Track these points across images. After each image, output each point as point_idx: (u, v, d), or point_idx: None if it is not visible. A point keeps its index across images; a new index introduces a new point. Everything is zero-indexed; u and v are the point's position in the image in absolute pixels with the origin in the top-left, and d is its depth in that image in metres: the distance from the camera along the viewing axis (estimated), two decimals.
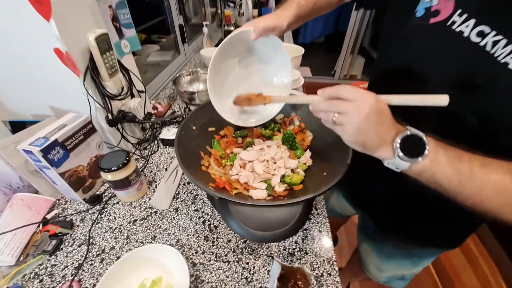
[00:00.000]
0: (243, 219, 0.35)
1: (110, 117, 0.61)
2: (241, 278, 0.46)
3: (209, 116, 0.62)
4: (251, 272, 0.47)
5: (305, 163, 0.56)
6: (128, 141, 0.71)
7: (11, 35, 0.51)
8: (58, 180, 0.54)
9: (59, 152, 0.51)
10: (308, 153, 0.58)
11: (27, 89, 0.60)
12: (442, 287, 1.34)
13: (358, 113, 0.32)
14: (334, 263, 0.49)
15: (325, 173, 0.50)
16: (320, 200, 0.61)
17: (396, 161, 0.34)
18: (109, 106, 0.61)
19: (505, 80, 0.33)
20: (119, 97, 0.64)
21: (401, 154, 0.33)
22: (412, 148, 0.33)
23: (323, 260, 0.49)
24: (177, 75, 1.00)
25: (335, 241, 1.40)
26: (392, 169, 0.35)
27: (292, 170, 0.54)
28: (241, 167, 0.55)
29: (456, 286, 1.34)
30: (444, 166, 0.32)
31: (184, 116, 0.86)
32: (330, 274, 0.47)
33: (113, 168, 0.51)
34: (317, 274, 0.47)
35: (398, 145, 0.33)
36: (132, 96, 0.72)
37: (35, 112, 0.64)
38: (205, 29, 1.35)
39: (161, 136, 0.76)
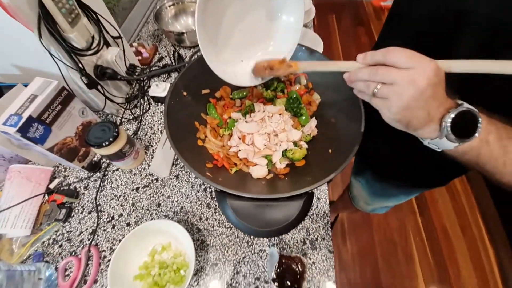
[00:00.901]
0: (242, 215, 0.35)
1: (85, 81, 0.53)
2: (243, 242, 0.51)
3: (201, 76, 0.53)
4: (252, 237, 0.52)
5: (309, 134, 0.52)
6: (114, 101, 0.64)
7: None
8: (49, 154, 0.51)
9: (38, 128, 0.46)
10: (313, 122, 0.53)
11: None
12: (418, 212, 1.52)
13: (411, 86, 0.26)
14: (329, 228, 0.52)
15: (330, 151, 0.47)
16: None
17: (441, 142, 0.29)
18: (80, 64, 0.52)
19: None
20: (90, 51, 0.53)
21: (450, 134, 0.28)
22: (463, 127, 0.28)
23: (319, 226, 0.53)
24: (158, 7, 0.81)
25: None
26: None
27: (294, 143, 0.51)
28: (240, 139, 0.51)
29: (431, 210, 1.53)
30: (492, 146, 0.29)
31: (174, 65, 0.75)
32: (323, 239, 0.51)
33: (104, 144, 0.48)
34: (312, 238, 0.51)
35: (448, 124, 0.28)
36: (108, 45, 0.60)
37: (1, 72, 0.55)
38: None
39: (150, 93, 0.68)
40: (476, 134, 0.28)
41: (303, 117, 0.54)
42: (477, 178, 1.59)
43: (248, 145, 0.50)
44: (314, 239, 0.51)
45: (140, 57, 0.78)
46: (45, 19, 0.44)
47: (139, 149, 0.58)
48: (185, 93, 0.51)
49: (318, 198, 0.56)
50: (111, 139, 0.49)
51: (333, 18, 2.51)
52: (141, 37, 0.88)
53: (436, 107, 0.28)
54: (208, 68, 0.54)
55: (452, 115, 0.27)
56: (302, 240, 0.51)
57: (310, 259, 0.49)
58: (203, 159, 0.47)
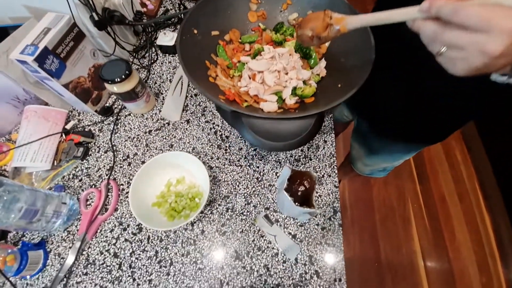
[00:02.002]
0: (256, 130, 0.37)
1: (96, 17, 0.53)
2: (253, 178, 0.54)
3: (211, 16, 0.53)
4: (261, 173, 0.54)
5: (318, 74, 0.53)
6: (124, 48, 0.64)
7: None
8: (64, 92, 0.53)
9: (53, 61, 0.47)
10: (322, 63, 0.53)
11: None
12: (418, 181, 1.56)
13: (481, 56, 0.22)
14: (335, 167, 0.55)
15: (339, 85, 0.48)
16: (327, 112, 0.62)
17: None
18: (91, 2, 0.51)
19: None
20: None
21: None
22: None
23: (325, 165, 0.55)
24: None
25: None
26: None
27: (304, 82, 0.51)
28: (250, 78, 0.52)
29: (431, 179, 1.57)
30: None
31: (180, 16, 0.74)
32: (330, 176, 0.54)
33: (116, 80, 0.49)
34: (318, 175, 0.54)
35: None
36: None
37: (12, 15, 0.55)
38: None
39: (158, 42, 0.68)
40: None
41: (312, 59, 0.54)
42: (477, 147, 1.61)
43: (259, 83, 0.51)
44: (321, 176, 0.54)
45: (145, 9, 0.76)
46: None
47: (150, 93, 0.59)
48: (195, 31, 0.51)
49: (325, 141, 0.58)
50: (123, 76, 0.50)
51: None
52: None
53: None
54: (217, 9, 0.54)
55: None
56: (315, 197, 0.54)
57: (317, 192, 0.52)
58: (215, 93, 0.48)
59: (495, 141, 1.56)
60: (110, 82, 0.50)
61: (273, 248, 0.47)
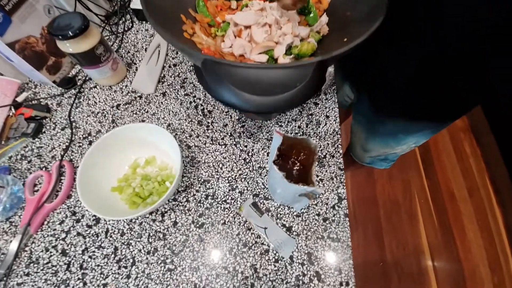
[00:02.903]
0: (237, 82, 0.27)
1: None
2: (239, 159, 0.44)
3: None
4: (250, 154, 0.45)
5: (318, 32, 0.43)
6: (89, 9, 0.54)
7: None
8: (11, 54, 0.43)
9: None
10: (324, 18, 0.44)
11: None
12: (425, 175, 1.47)
13: None
14: (339, 146, 0.45)
15: (345, 39, 0.38)
16: (330, 84, 0.52)
17: None
18: None
19: None
20: None
21: None
22: None
23: (328, 143, 0.46)
24: None
25: None
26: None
27: (301, 40, 0.42)
28: (236, 36, 0.42)
29: (438, 173, 1.47)
30: None
31: None
32: (333, 156, 0.44)
33: (69, 34, 0.39)
34: (319, 156, 0.44)
35: None
36: None
37: None
38: None
39: (133, 5, 0.58)
40: None
41: (312, 15, 0.45)
42: (487, 139, 1.52)
43: (245, 41, 0.41)
44: (322, 156, 0.44)
45: None
46: None
47: (118, 60, 0.50)
48: None
49: (327, 116, 0.48)
50: (78, 31, 0.40)
51: None
52: None
53: None
54: None
55: None
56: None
57: (317, 175, 0.43)
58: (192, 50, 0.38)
59: (507, 132, 1.47)
60: (61, 37, 0.40)
61: (262, 243, 0.38)
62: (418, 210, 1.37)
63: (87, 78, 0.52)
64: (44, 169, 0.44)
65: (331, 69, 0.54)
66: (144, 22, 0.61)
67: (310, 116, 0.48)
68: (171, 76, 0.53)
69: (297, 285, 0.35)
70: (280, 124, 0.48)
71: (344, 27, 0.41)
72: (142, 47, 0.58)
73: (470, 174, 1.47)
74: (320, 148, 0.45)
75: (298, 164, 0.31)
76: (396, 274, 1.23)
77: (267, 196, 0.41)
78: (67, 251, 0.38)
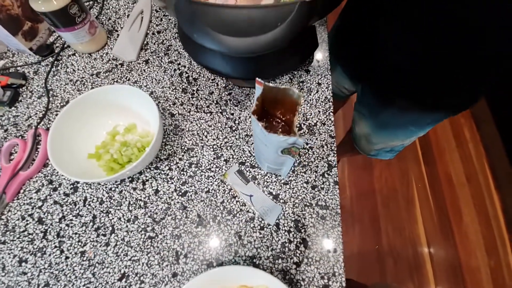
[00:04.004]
0: (213, 24, 0.24)
1: None
2: (225, 127, 0.42)
3: None
4: (236, 122, 0.42)
5: None
6: None
7: None
8: None
9: None
10: None
11: None
12: (423, 161, 1.45)
13: None
14: (330, 114, 0.43)
15: None
16: (323, 50, 0.49)
17: None
18: None
19: None
20: None
21: None
22: None
23: (319, 111, 0.43)
24: None
25: None
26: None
27: None
28: None
29: (437, 159, 1.46)
30: None
31: None
32: (324, 124, 0.42)
33: None
34: (309, 124, 0.42)
35: None
36: None
37: None
38: None
39: None
40: None
41: None
42: (488, 124, 1.49)
43: None
44: (313, 124, 0.42)
45: None
46: None
47: (95, 23, 0.47)
48: None
49: (319, 84, 0.46)
50: None
51: None
52: None
53: None
54: None
55: None
56: (298, 126, 0.42)
57: (307, 143, 0.40)
58: None
59: (508, 117, 1.44)
60: None
61: (247, 211, 0.36)
62: (415, 196, 1.36)
63: (65, 45, 0.49)
64: (20, 137, 0.41)
65: (324, 34, 0.51)
66: None
67: (301, 84, 0.46)
68: (154, 44, 0.50)
69: (283, 251, 0.34)
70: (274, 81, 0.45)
71: None
72: (125, 13, 0.54)
73: (469, 160, 1.45)
74: (311, 115, 0.43)
75: (281, 120, 0.29)
76: (391, 258, 1.23)
77: (253, 164, 0.39)
78: (43, 220, 0.36)
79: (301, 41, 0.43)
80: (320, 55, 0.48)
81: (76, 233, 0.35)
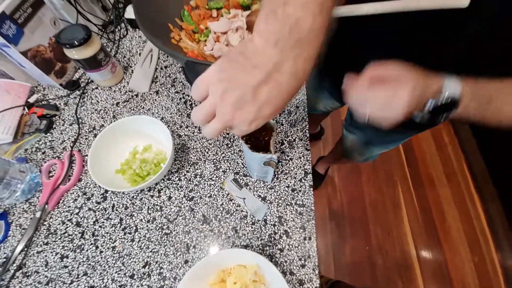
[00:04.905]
0: None
1: None
2: (222, 145, 0.52)
3: None
4: (231, 140, 0.53)
5: None
6: (89, 20, 0.62)
7: None
8: (23, 61, 0.51)
9: (11, 27, 0.45)
10: None
11: None
12: (406, 164, 1.56)
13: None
14: (306, 131, 0.54)
15: None
16: None
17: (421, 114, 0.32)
18: None
19: None
20: None
21: (426, 115, 0.32)
22: (444, 109, 0.30)
23: (297, 129, 0.54)
24: None
25: (320, 132, 1.52)
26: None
27: None
28: (215, 41, 0.51)
29: (419, 161, 1.57)
30: (472, 111, 0.31)
31: None
32: (301, 139, 0.53)
33: (75, 43, 0.47)
34: (290, 139, 0.53)
35: (428, 109, 0.31)
36: None
37: None
38: None
39: (127, 15, 0.66)
40: (456, 110, 0.30)
41: None
42: (464, 129, 1.62)
43: (223, 44, 0.49)
44: (292, 140, 0.53)
45: None
46: None
47: (116, 64, 0.58)
48: None
49: (297, 107, 0.57)
50: (82, 40, 0.48)
51: None
52: None
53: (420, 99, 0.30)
54: None
55: (432, 104, 0.30)
56: (281, 141, 0.53)
57: (288, 155, 0.51)
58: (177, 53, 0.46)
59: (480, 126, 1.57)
60: (68, 46, 0.48)
61: (242, 211, 0.46)
62: (401, 198, 1.46)
63: (89, 80, 0.60)
64: (57, 158, 0.51)
65: None
66: (137, 29, 0.69)
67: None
68: (162, 77, 0.61)
69: (270, 241, 0.43)
70: None
71: None
72: (137, 51, 0.66)
73: (449, 161, 1.57)
74: (291, 133, 0.54)
75: (263, 139, 0.40)
76: (381, 258, 1.31)
77: (245, 174, 0.49)
78: (80, 223, 0.45)
79: None
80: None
81: (107, 233, 0.45)
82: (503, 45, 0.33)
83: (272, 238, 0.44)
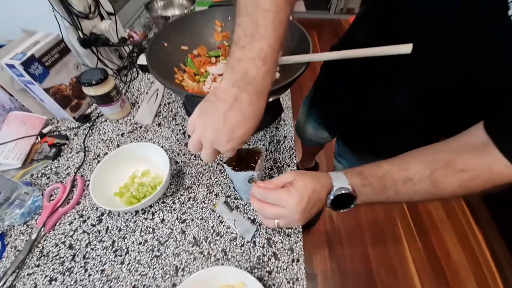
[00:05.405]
0: None
1: (81, 36, 0.62)
2: (216, 170, 0.56)
3: (182, 34, 0.63)
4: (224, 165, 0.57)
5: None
6: (106, 65, 0.73)
7: None
8: (45, 97, 0.58)
9: (38, 68, 0.54)
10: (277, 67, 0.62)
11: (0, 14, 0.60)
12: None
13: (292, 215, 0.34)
14: (294, 158, 0.59)
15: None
16: (288, 113, 0.68)
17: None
18: (79, 24, 0.61)
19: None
20: (88, 16, 0.64)
21: (330, 207, 0.37)
22: (342, 201, 0.37)
23: (285, 156, 0.59)
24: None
25: (315, 167, 1.56)
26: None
27: None
28: (212, 81, 0.59)
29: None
30: (372, 198, 0.36)
31: None
32: (289, 165, 0.57)
33: (93, 82, 0.56)
34: (278, 165, 0.57)
35: (329, 204, 0.37)
36: (102, 18, 0.71)
37: (11, 38, 0.65)
38: None
39: (139, 62, 0.78)
40: (354, 202, 0.36)
41: None
42: None
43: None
44: (281, 166, 0.57)
45: (131, 39, 0.89)
46: None
47: (125, 100, 0.66)
48: (165, 44, 0.60)
49: (285, 137, 0.63)
50: (99, 80, 0.56)
51: (314, 34, 2.76)
52: (133, 26, 1.00)
53: (320, 199, 0.36)
54: (188, 28, 0.65)
55: (330, 198, 0.36)
56: (270, 167, 0.57)
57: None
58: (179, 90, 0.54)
59: None
60: (87, 84, 0.56)
61: (232, 232, 0.47)
62: (402, 234, 1.42)
63: (99, 114, 0.67)
64: (60, 182, 0.55)
65: (289, 102, 0.71)
66: (146, 73, 0.80)
67: (272, 137, 0.63)
68: (165, 111, 0.69)
69: (258, 263, 0.44)
70: (248, 143, 0.61)
71: (290, 72, 0.59)
72: (144, 91, 0.75)
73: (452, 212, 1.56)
74: (279, 160, 0.58)
75: (254, 165, 0.44)
76: None
77: (236, 197, 0.52)
78: (73, 245, 0.46)
79: (271, 109, 0.62)
80: (285, 116, 0.67)
81: (98, 255, 0.45)
82: (446, 77, 0.38)
83: (261, 260, 0.44)
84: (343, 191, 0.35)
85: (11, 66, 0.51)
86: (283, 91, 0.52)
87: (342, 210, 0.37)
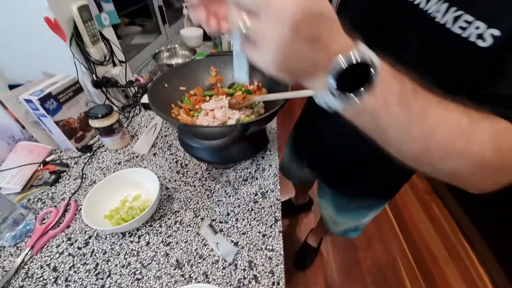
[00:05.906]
0: (196, 134, 0.48)
1: (95, 78, 0.72)
2: (203, 195, 0.60)
3: (182, 77, 0.74)
4: (212, 191, 0.61)
5: (258, 111, 0.69)
6: (113, 103, 0.82)
7: (6, 9, 0.61)
8: (54, 128, 0.65)
9: (53, 103, 0.62)
10: (261, 104, 0.70)
11: (22, 57, 0.71)
12: (402, 236, 1.51)
13: (276, 25, 0.19)
14: (277, 184, 0.62)
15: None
16: (274, 144, 0.74)
17: (326, 98, 0.23)
18: (94, 69, 0.72)
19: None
20: (103, 63, 0.75)
21: (334, 88, 0.22)
22: (354, 79, 0.22)
23: (270, 183, 0.63)
24: (157, 51, 1.10)
25: (310, 202, 1.55)
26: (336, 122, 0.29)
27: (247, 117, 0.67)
28: (205, 115, 0.67)
29: (414, 235, 1.52)
30: (392, 99, 0.23)
31: None
32: (272, 191, 0.61)
33: (99, 116, 0.63)
34: (263, 191, 0.61)
35: (333, 73, 0.21)
36: (114, 65, 0.83)
37: (30, 79, 0.75)
38: (185, 11, 1.43)
39: (143, 101, 0.87)
40: (362, 89, 0.22)
41: (254, 107, 0.72)
42: (451, 200, 1.65)
43: (210, 118, 0.65)
44: (265, 191, 0.61)
45: (138, 82, 1.01)
46: (76, 36, 0.66)
47: (125, 132, 0.73)
48: (166, 85, 0.70)
49: (270, 165, 0.68)
50: (105, 114, 0.64)
51: None
52: (141, 72, 1.14)
53: (322, 49, 0.20)
54: (187, 72, 0.76)
55: (340, 61, 0.21)
56: (255, 193, 0.60)
57: (260, 204, 0.58)
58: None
59: (464, 194, 1.63)
60: (93, 117, 0.63)
61: (214, 255, 0.48)
62: (404, 275, 1.34)
63: (100, 145, 0.73)
64: (54, 207, 0.57)
65: (275, 135, 0.78)
66: (148, 110, 0.89)
67: (258, 165, 0.67)
68: (161, 143, 0.75)
69: (239, 286, 0.44)
70: (236, 171, 0.66)
71: (274, 106, 0.67)
72: (144, 125, 0.82)
73: (444, 233, 1.52)
74: (264, 186, 0.62)
75: None
76: None
77: (221, 220, 0.54)
78: (57, 268, 0.47)
79: (256, 139, 0.68)
80: (271, 147, 0.73)
81: (80, 278, 0.46)
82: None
83: (242, 284, 0.45)
84: (366, 56, 0.21)
85: (28, 101, 0.59)
86: (265, 123, 0.59)
87: (347, 93, 0.22)
